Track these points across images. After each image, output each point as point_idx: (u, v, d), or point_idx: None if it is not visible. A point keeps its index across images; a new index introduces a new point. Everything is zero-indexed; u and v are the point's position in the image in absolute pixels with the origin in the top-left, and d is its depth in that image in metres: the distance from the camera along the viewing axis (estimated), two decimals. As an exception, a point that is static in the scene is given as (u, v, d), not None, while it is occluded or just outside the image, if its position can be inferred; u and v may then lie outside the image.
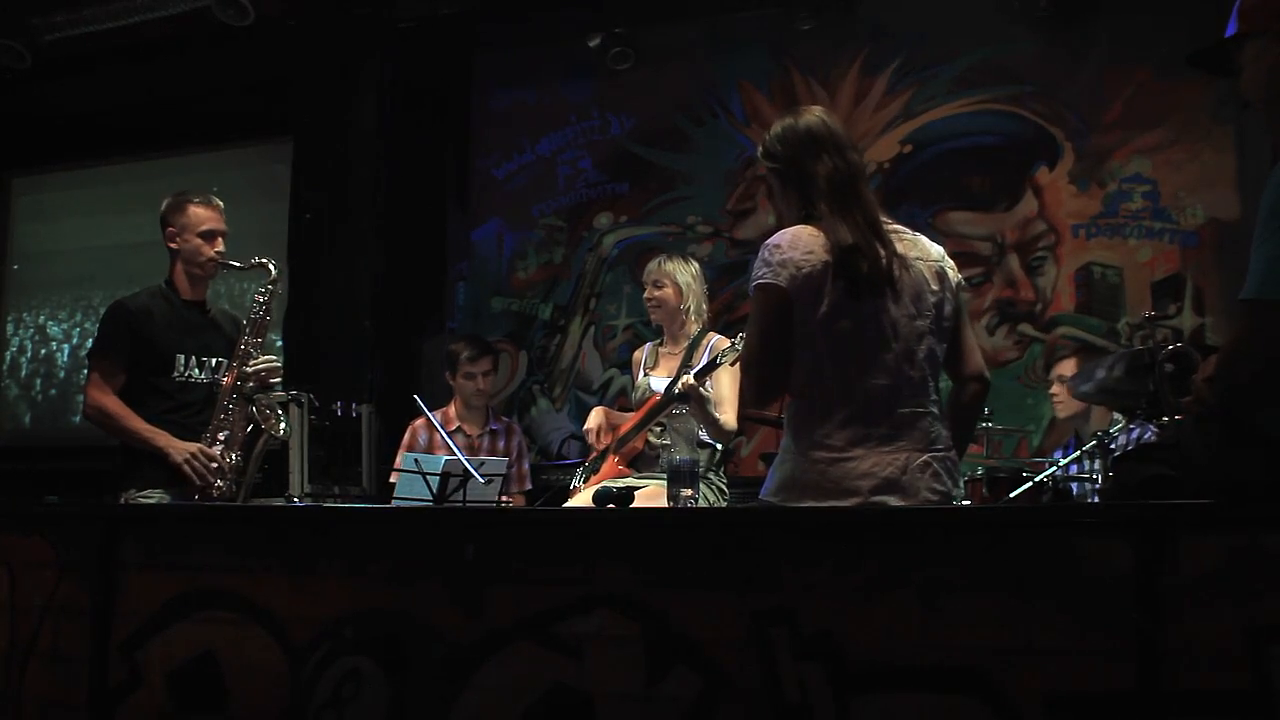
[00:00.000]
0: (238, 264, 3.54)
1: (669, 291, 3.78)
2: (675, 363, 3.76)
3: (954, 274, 2.46)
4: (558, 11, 5.94)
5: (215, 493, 3.34)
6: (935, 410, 2.37)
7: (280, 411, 3.46)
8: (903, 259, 2.36)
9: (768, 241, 2.36)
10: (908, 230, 2.46)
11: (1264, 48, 2.08)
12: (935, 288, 2.39)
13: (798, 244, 2.32)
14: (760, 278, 2.34)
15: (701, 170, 6.03)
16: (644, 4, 5.83)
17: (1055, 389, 4.53)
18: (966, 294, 2.99)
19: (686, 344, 3.77)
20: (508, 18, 6.00)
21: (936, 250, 2.46)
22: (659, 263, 3.85)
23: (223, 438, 3.40)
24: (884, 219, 2.40)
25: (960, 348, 2.48)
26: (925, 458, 2.30)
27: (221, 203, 3.58)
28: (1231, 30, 2.14)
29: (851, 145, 2.44)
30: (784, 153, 2.43)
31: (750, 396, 2.55)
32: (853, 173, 2.39)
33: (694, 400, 3.35)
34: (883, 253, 2.31)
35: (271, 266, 3.53)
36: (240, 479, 3.42)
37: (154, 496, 3.35)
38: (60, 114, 6.57)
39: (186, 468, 3.31)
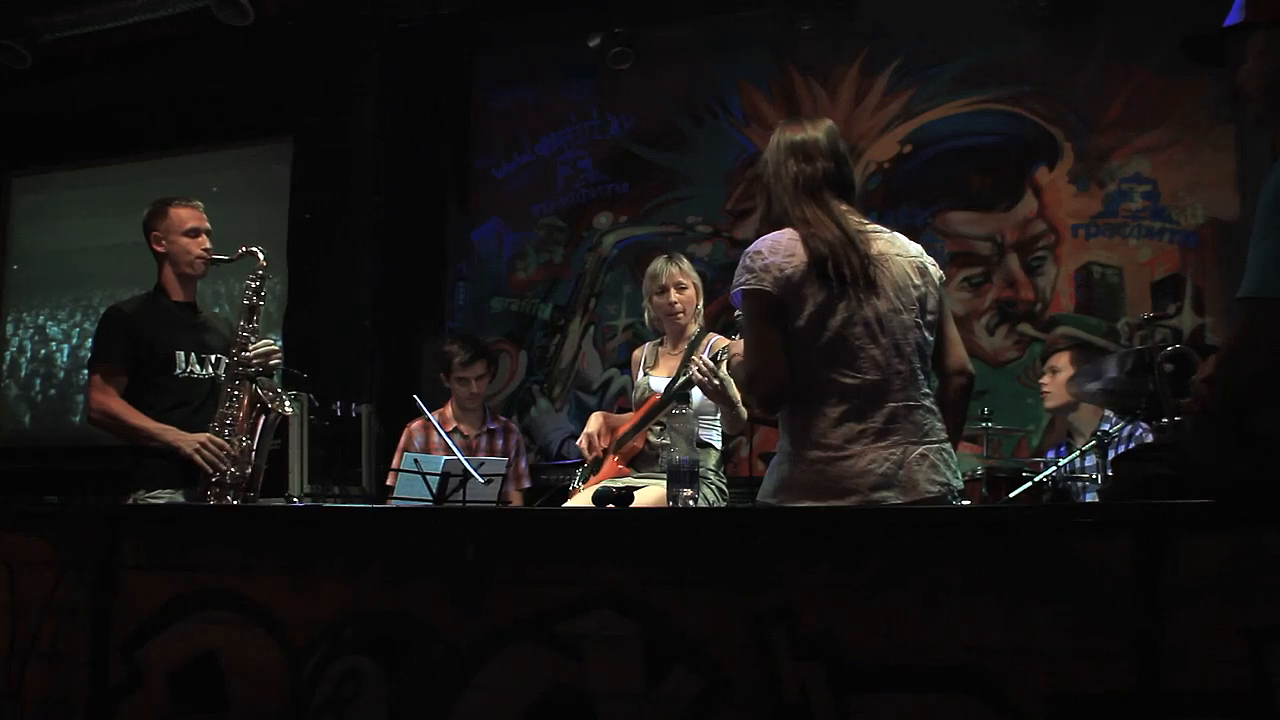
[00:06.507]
0: (226, 257, 3.57)
1: (691, 292, 3.73)
2: (675, 362, 3.74)
3: (934, 269, 2.50)
4: (558, 11, 5.94)
5: (229, 479, 3.32)
6: (927, 403, 2.39)
7: (283, 392, 3.47)
8: (881, 255, 2.39)
9: (748, 249, 2.39)
10: (885, 229, 2.49)
11: (1273, 39, 2.05)
12: (918, 282, 2.42)
13: (778, 248, 2.35)
14: (745, 284, 2.35)
15: (701, 170, 6.03)
16: (644, 4, 5.83)
17: (1045, 379, 4.44)
18: (965, 293, 2.99)
19: (686, 345, 3.76)
20: (508, 17, 6.00)
21: (915, 247, 2.50)
22: (674, 265, 3.70)
23: (229, 424, 3.39)
24: (859, 219, 2.43)
25: (944, 342, 2.50)
26: (921, 449, 2.31)
27: (200, 202, 3.64)
28: (1235, 19, 2.11)
29: (824, 154, 2.45)
30: (763, 161, 2.52)
31: (759, 406, 2.53)
32: (818, 178, 2.42)
33: (716, 385, 3.12)
34: (856, 250, 2.34)
35: (259, 253, 3.55)
36: (254, 462, 3.40)
37: (164, 496, 3.34)
38: (60, 114, 6.57)
39: (198, 457, 3.30)
